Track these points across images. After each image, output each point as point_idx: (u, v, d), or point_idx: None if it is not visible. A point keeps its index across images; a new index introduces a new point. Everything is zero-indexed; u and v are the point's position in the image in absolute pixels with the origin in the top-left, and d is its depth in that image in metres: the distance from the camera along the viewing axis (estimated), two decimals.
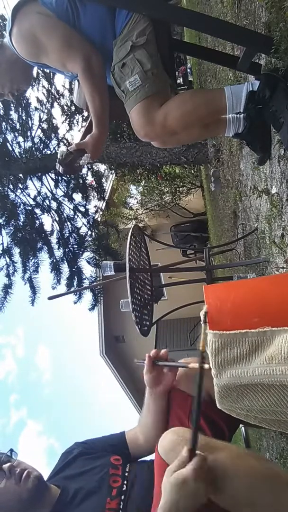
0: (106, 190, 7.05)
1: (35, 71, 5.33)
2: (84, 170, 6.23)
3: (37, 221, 5.62)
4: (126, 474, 1.13)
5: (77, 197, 6.04)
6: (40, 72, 5.40)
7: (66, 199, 5.86)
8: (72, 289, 5.30)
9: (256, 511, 0.79)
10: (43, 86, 5.60)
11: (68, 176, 5.52)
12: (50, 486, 1.12)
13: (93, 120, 1.37)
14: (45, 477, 1.17)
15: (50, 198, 5.73)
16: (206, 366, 0.87)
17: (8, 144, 5.45)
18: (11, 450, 1.17)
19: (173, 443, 0.85)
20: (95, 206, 6.37)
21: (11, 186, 5.47)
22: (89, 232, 6.01)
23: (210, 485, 0.77)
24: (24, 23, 1.32)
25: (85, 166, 5.58)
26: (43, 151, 5.71)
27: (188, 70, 9.82)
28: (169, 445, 0.86)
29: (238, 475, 0.79)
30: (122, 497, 1.06)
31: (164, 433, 0.92)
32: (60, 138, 5.95)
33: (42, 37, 1.31)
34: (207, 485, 0.76)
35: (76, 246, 5.75)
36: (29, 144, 5.61)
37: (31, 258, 5.35)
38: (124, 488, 1.08)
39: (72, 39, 1.32)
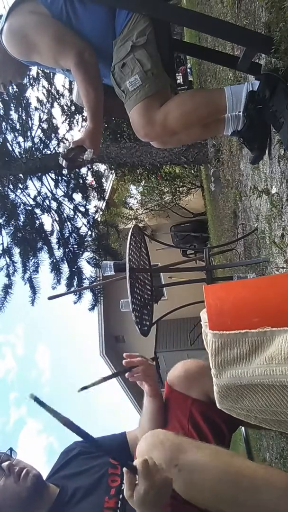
0: (106, 190, 7.05)
1: (34, 71, 5.35)
2: (84, 170, 6.23)
3: (37, 221, 5.62)
4: None
5: (77, 197, 6.05)
6: (40, 72, 5.41)
7: (66, 199, 5.87)
8: (72, 289, 5.30)
9: (231, 507, 0.80)
10: (43, 86, 5.60)
11: (71, 171, 5.50)
12: (49, 485, 1.13)
13: (87, 114, 1.36)
14: (44, 476, 1.17)
15: (50, 198, 5.73)
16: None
17: (8, 144, 5.45)
18: (11, 449, 1.17)
19: (150, 446, 0.87)
20: (95, 206, 6.37)
21: (11, 186, 5.47)
22: (89, 232, 6.01)
23: (182, 485, 0.79)
24: (14, 23, 1.32)
25: (88, 163, 5.55)
26: (43, 151, 5.71)
27: (188, 70, 9.82)
28: (145, 447, 0.87)
29: (209, 473, 0.80)
30: (121, 496, 1.06)
31: (143, 436, 0.92)
32: (60, 138, 5.96)
33: (33, 35, 1.31)
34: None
35: (76, 246, 5.75)
36: (29, 144, 5.62)
37: (31, 258, 5.35)
38: (123, 487, 1.08)
39: (64, 34, 1.31)
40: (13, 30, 1.32)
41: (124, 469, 0.79)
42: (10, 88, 4.62)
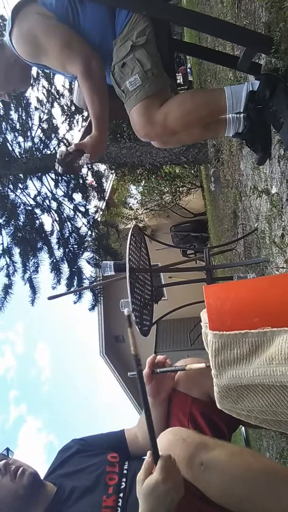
0: (106, 190, 7.05)
1: (34, 71, 5.36)
2: (84, 170, 6.23)
3: (37, 221, 5.62)
4: (125, 471, 1.13)
5: (77, 197, 6.06)
6: (40, 72, 5.41)
7: (66, 199, 5.87)
8: (72, 289, 5.30)
9: (255, 507, 0.80)
10: (43, 86, 5.60)
11: (67, 175, 5.53)
12: (46, 483, 1.12)
13: (92, 122, 1.37)
14: (42, 475, 1.17)
15: (50, 198, 5.73)
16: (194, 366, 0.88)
17: (8, 144, 5.45)
18: (7, 449, 1.17)
19: (170, 444, 0.85)
20: (95, 206, 6.38)
21: (11, 186, 5.47)
22: (89, 232, 6.01)
23: (205, 482, 0.78)
24: (24, 24, 1.32)
25: (85, 166, 5.59)
26: (43, 151, 5.71)
27: (188, 70, 9.83)
28: (165, 445, 0.86)
29: (234, 472, 0.80)
30: (121, 494, 1.05)
31: (162, 433, 0.92)
32: (60, 138, 5.96)
33: (42, 38, 1.31)
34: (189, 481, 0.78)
35: (76, 246, 5.75)
36: (29, 144, 5.62)
37: (31, 258, 5.35)
38: (123, 486, 1.08)
39: (72, 40, 1.31)
40: (23, 32, 1.32)
41: (148, 452, 0.78)
42: None
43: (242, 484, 0.79)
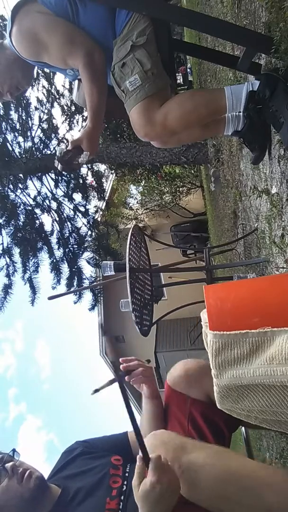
0: (106, 190, 7.05)
1: (35, 71, 5.35)
2: (84, 170, 6.23)
3: (37, 221, 5.62)
4: (127, 474, 1.13)
5: (77, 197, 6.06)
6: (40, 72, 5.40)
7: (66, 199, 5.87)
8: (72, 289, 5.30)
9: (234, 507, 0.80)
10: (43, 86, 5.60)
11: (67, 175, 5.53)
12: (51, 485, 1.13)
13: (88, 114, 1.37)
14: (46, 475, 1.17)
15: (50, 198, 5.73)
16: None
17: (8, 144, 5.44)
18: (14, 450, 1.17)
19: (152, 447, 0.86)
20: (95, 206, 6.37)
21: (11, 186, 5.47)
22: (89, 232, 6.01)
23: (184, 484, 0.78)
24: (24, 23, 1.32)
25: (84, 164, 5.58)
26: (43, 151, 5.71)
27: (188, 70, 9.82)
28: (149, 449, 0.86)
29: (212, 473, 0.80)
30: (122, 497, 1.06)
31: (146, 437, 0.92)
32: (60, 138, 5.96)
33: (43, 34, 1.31)
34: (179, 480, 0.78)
35: (76, 246, 5.75)
36: (29, 144, 5.62)
37: (31, 258, 5.35)
38: (124, 488, 1.08)
39: (74, 34, 1.32)
40: (23, 30, 1.32)
41: (138, 455, 0.79)
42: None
43: (220, 485, 0.79)
